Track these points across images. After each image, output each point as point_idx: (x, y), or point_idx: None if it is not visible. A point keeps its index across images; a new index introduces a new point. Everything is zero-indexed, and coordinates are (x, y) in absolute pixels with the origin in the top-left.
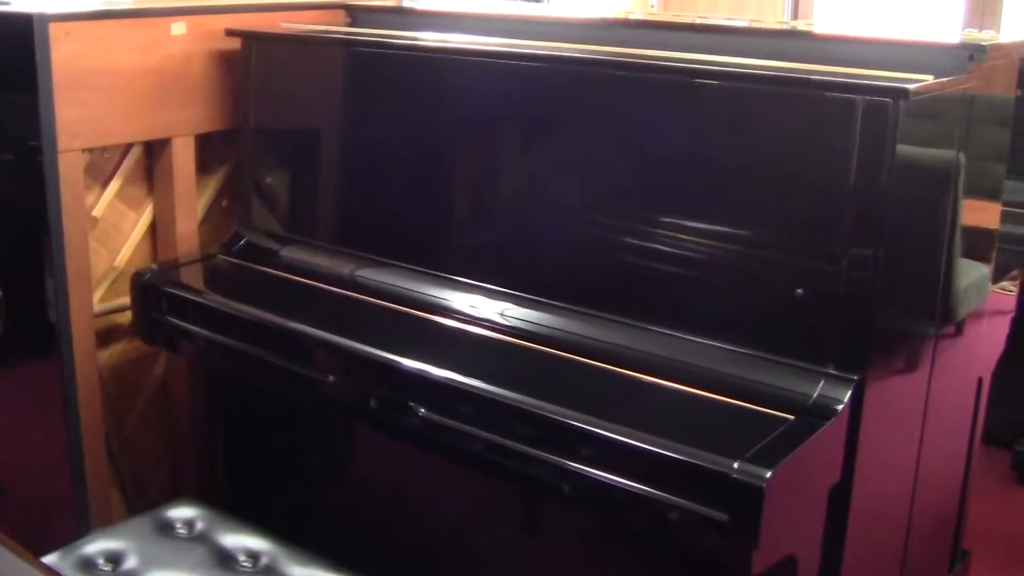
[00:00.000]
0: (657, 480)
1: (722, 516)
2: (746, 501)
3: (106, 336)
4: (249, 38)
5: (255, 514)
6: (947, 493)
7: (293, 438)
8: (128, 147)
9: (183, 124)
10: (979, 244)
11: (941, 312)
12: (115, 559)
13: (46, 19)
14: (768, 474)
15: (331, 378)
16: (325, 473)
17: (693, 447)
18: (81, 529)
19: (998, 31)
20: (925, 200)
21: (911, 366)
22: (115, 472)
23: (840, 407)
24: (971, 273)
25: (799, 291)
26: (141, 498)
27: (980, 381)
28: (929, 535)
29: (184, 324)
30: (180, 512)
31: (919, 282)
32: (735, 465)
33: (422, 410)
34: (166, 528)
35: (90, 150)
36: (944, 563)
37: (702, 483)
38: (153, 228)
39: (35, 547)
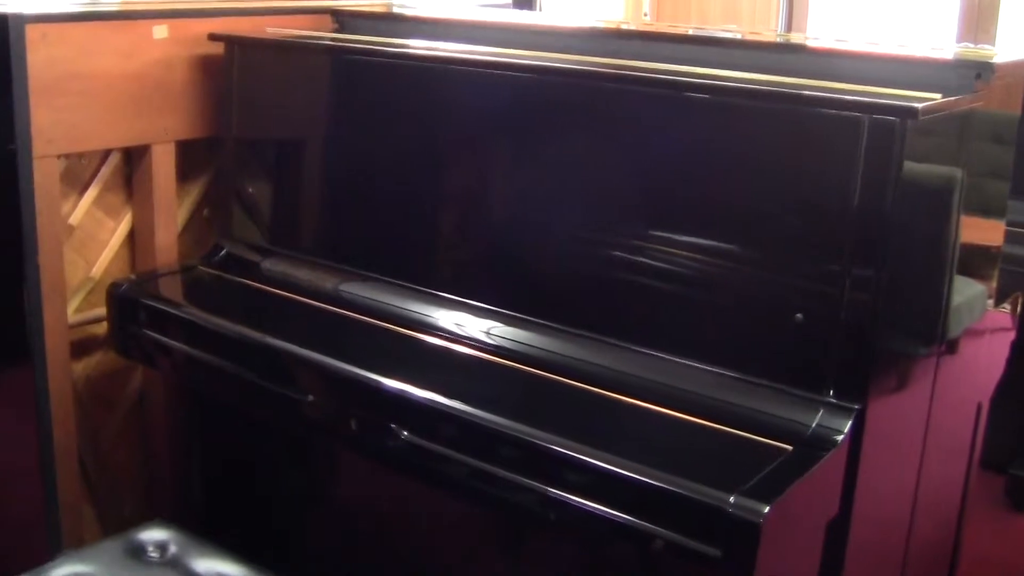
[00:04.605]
0: (647, 512)
1: (715, 552)
2: (741, 537)
3: (81, 348)
4: (233, 43)
5: (232, 537)
6: (944, 521)
7: (272, 459)
8: (107, 153)
9: (164, 131)
10: (978, 263)
11: (941, 335)
12: None
13: (23, 20)
14: (765, 509)
15: (310, 397)
16: (305, 496)
17: (686, 479)
18: (52, 546)
19: (993, 45)
20: (927, 220)
21: (912, 393)
22: (88, 489)
23: (840, 438)
24: (965, 291)
25: (799, 316)
26: (115, 516)
27: (979, 407)
28: (925, 564)
29: (161, 338)
30: (152, 535)
31: (921, 305)
32: (731, 499)
33: (404, 432)
34: (137, 552)
35: (67, 156)
36: None
37: (695, 517)
38: (132, 237)
39: (4, 564)
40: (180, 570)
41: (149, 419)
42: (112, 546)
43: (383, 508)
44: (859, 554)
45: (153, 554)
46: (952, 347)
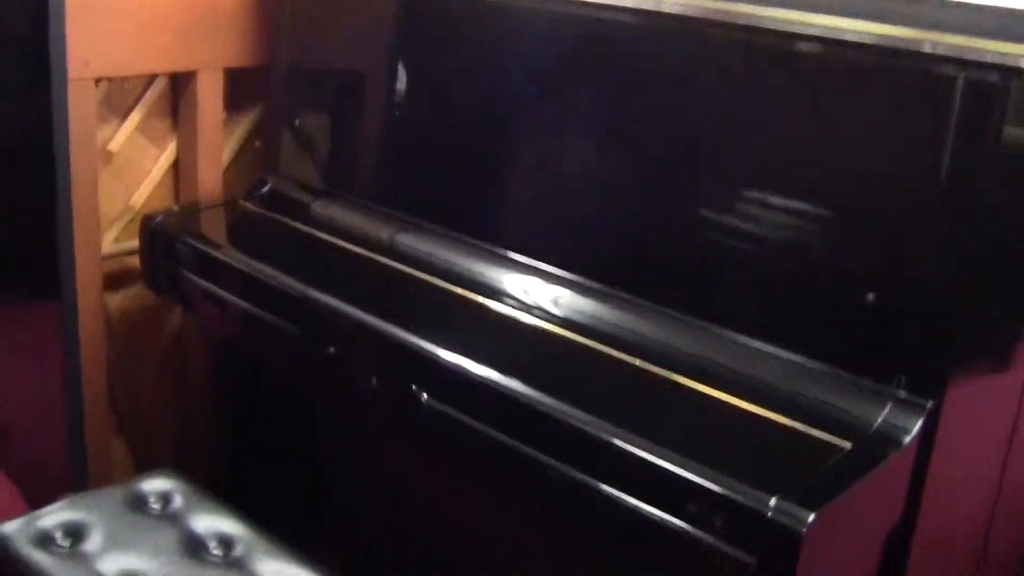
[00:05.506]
0: (678, 507)
1: (750, 560)
2: (781, 546)
3: (118, 280)
4: None
5: (254, 492)
6: None
7: (302, 416)
8: (151, 78)
9: (211, 56)
10: None
11: None
12: (76, 534)
13: None
14: (811, 517)
15: (346, 356)
16: (335, 462)
17: (724, 474)
18: (79, 479)
19: None
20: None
21: (997, 386)
22: (120, 423)
23: (908, 438)
24: None
25: (870, 296)
26: (147, 455)
27: None
28: (1004, 573)
29: (193, 277)
30: (157, 485)
31: (1012, 290)
32: (772, 502)
33: (425, 396)
34: (138, 502)
35: (108, 80)
36: None
37: (731, 518)
38: (177, 167)
39: (35, 493)
40: (177, 524)
41: (185, 358)
42: (114, 493)
43: (414, 483)
44: (924, 565)
45: (155, 505)
46: None
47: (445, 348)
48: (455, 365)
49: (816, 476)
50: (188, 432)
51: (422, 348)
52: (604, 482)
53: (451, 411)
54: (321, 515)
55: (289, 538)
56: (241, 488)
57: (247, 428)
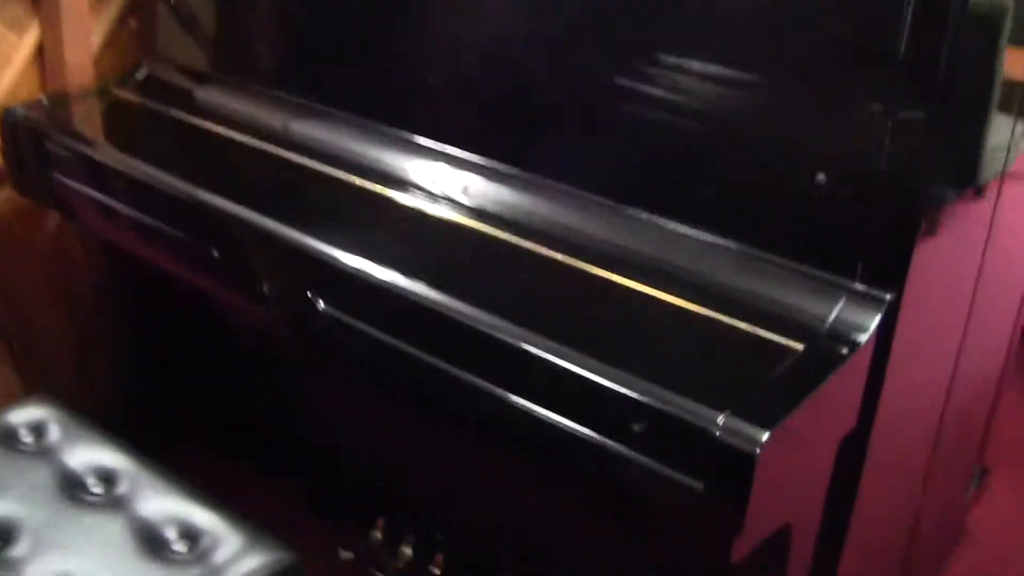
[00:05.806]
0: (612, 427)
1: (696, 485)
2: (732, 470)
3: None
4: None
5: (154, 411)
6: (976, 412)
7: (200, 328)
8: None
9: None
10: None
11: (996, 196)
12: None
13: None
14: (764, 437)
15: (222, 255)
16: (231, 376)
17: (666, 387)
18: None
19: None
20: (974, 54)
21: (956, 274)
22: (6, 345)
23: (864, 337)
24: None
25: (820, 176)
26: (44, 378)
27: None
28: (952, 463)
29: (64, 179)
30: (28, 415)
31: (970, 161)
32: (720, 420)
33: (322, 303)
34: (7, 437)
35: None
36: (962, 487)
37: (673, 439)
38: (41, 55)
39: None
40: (50, 460)
41: (71, 268)
42: None
43: (315, 397)
44: (877, 471)
45: (27, 439)
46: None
47: (342, 249)
48: (354, 268)
49: (768, 387)
50: (83, 351)
51: (317, 249)
52: (525, 397)
53: (351, 320)
54: (223, 434)
55: (194, 464)
56: (141, 407)
57: (143, 341)
